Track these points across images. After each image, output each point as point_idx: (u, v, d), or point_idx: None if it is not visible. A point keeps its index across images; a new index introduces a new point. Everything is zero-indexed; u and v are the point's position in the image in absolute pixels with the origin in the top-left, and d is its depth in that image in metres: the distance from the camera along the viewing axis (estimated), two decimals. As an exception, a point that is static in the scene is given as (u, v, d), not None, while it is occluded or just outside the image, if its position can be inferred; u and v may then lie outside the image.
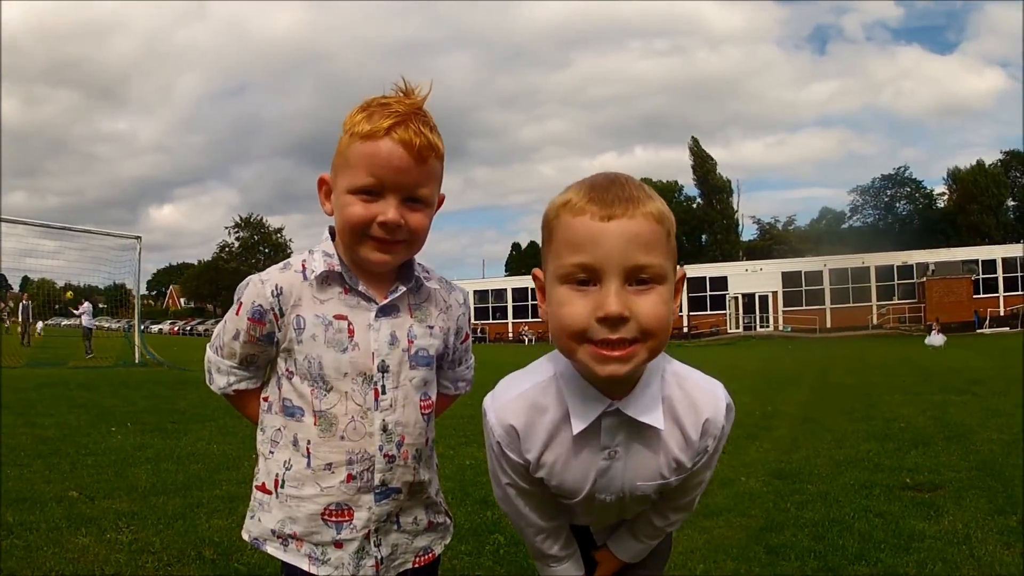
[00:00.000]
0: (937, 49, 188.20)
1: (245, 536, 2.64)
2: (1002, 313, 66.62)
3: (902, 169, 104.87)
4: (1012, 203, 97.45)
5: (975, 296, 67.63)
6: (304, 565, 2.50)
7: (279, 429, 2.54)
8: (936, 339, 39.61)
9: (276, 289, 2.44)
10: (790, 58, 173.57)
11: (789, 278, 74.59)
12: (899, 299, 71.47)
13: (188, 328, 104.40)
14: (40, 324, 41.05)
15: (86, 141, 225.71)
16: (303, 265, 2.48)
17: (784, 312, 72.69)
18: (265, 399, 2.62)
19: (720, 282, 75.14)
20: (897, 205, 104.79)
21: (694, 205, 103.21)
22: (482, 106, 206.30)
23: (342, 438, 2.46)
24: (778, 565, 5.59)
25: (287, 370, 2.51)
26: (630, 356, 2.00)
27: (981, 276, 69.26)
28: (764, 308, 74.66)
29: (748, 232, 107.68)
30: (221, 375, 2.63)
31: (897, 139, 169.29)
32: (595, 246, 1.97)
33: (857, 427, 11.74)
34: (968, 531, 6.09)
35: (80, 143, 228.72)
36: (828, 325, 69.77)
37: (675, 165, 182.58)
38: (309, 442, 2.47)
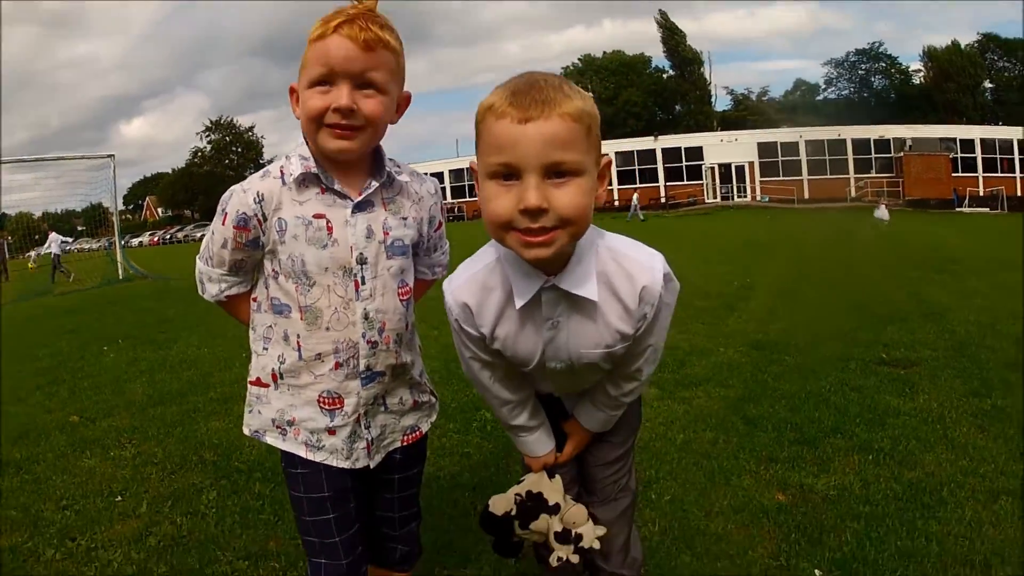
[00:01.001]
0: None
1: (245, 431, 2.80)
2: (981, 194, 65.97)
3: (877, 44, 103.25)
4: (989, 85, 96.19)
5: (953, 175, 67.25)
6: (301, 452, 2.68)
7: (270, 326, 2.69)
8: (882, 213, 39.87)
9: (258, 196, 2.55)
10: None
11: (765, 148, 73.65)
12: (876, 172, 71.02)
13: (168, 237, 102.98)
14: (32, 254, 40.38)
15: (48, 72, 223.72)
16: (281, 171, 2.58)
17: (761, 182, 72.16)
18: (254, 300, 2.76)
19: (695, 152, 74.10)
20: (873, 80, 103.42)
21: (664, 76, 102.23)
22: None
23: (327, 329, 2.61)
24: (755, 436, 5.62)
25: (272, 270, 2.64)
26: (551, 241, 2.21)
27: (959, 155, 69.05)
28: (741, 178, 73.87)
29: (721, 103, 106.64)
30: (212, 283, 2.73)
31: (869, 14, 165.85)
32: (514, 147, 2.15)
33: (835, 300, 11.80)
34: (943, 411, 6.10)
35: (43, 74, 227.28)
36: (806, 196, 69.51)
37: (644, 37, 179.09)
38: (298, 336, 2.62)
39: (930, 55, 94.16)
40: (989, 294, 12.36)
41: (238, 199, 2.57)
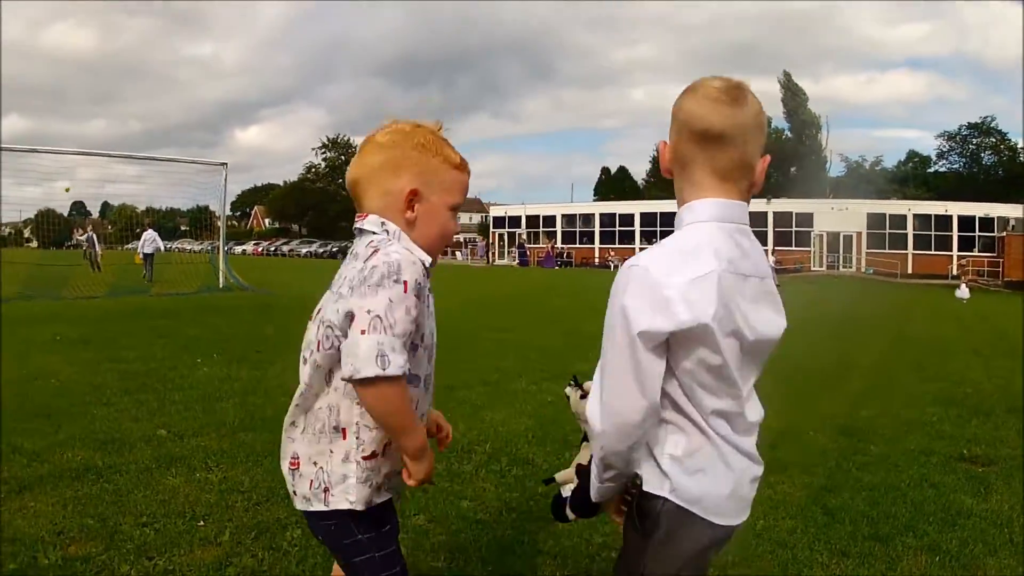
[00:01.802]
0: None
1: (360, 506, 2.71)
2: None
3: (988, 119, 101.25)
4: None
5: None
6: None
7: None
8: (963, 292, 39.53)
9: (425, 269, 2.65)
10: None
11: (874, 219, 73.01)
12: (979, 251, 69.88)
13: (272, 248, 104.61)
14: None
15: (168, 66, 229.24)
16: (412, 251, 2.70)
17: (868, 254, 71.51)
18: None
19: (806, 219, 73.63)
20: (983, 155, 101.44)
21: (783, 137, 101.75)
22: (568, 28, 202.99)
23: (426, 390, 2.87)
24: (833, 528, 5.76)
25: (412, 343, 2.64)
26: None
27: None
28: (848, 248, 73.46)
29: (835, 168, 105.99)
30: (398, 354, 2.48)
31: (985, 87, 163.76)
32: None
33: (926, 388, 11.77)
34: (1013, 513, 6.19)
35: (162, 67, 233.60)
36: (910, 271, 68.42)
37: (764, 96, 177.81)
38: (417, 403, 2.75)
39: None
40: (1078, 388, 12.29)
41: (415, 269, 2.57)
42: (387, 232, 2.70)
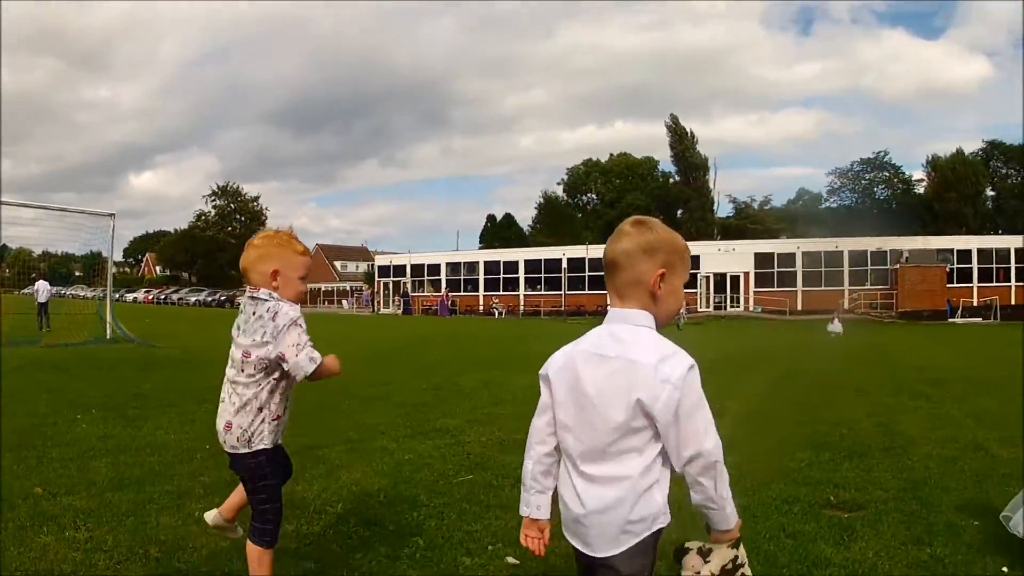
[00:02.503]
0: (924, 34, 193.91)
1: (271, 446, 4.82)
2: (975, 303, 69.14)
3: (881, 154, 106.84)
4: (991, 193, 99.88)
5: (949, 285, 69.73)
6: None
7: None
8: (836, 327, 41.43)
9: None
10: (774, 37, 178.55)
11: (761, 259, 76.19)
12: (871, 284, 73.38)
13: (163, 297, 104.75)
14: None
15: (68, 108, 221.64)
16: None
17: (755, 293, 73.65)
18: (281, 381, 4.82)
19: (692, 261, 74.83)
20: (875, 189, 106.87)
21: (671, 181, 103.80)
22: (463, 74, 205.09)
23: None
24: None
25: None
26: None
27: (955, 266, 71.72)
28: (735, 288, 76.08)
29: (723, 209, 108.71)
30: (314, 351, 4.65)
31: (879, 122, 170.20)
32: None
33: (801, 431, 11.76)
34: (876, 561, 6.14)
35: (62, 111, 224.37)
36: (799, 307, 70.96)
37: (656, 139, 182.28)
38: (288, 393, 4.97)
39: (934, 164, 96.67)
40: (962, 423, 12.47)
41: (296, 311, 4.70)
42: (273, 298, 4.71)
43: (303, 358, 4.53)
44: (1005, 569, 5.99)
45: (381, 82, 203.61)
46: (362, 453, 10.06)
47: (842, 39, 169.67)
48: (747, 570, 3.44)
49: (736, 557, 3.43)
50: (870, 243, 75.38)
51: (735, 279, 75.93)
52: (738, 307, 74.27)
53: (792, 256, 75.72)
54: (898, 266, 71.03)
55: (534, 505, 3.55)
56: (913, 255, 71.79)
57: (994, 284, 71.65)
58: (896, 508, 7.65)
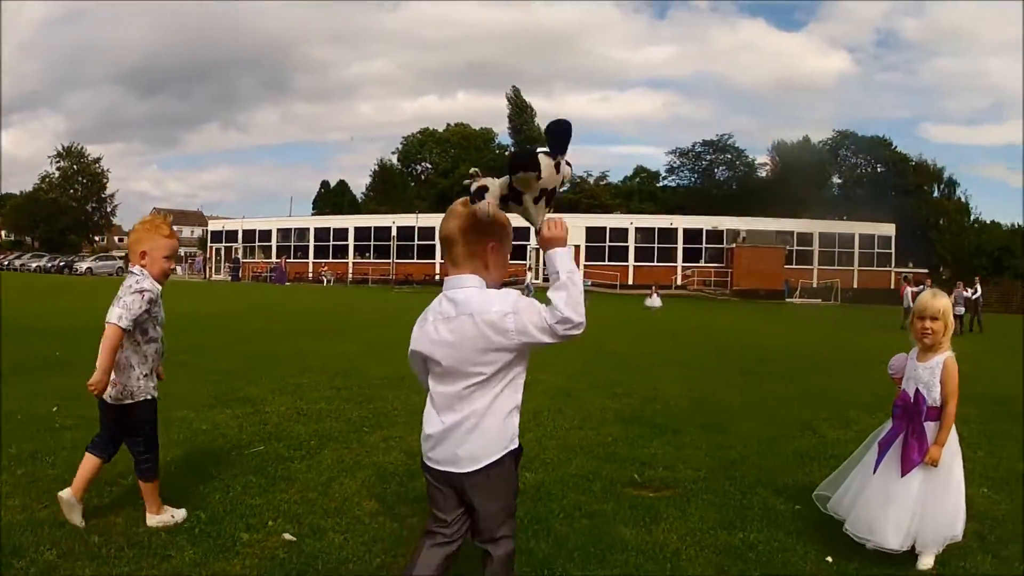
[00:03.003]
0: (784, 26, 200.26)
1: (150, 397, 5.99)
2: (815, 285, 72.25)
3: (725, 136, 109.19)
4: (838, 181, 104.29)
5: (788, 266, 72.79)
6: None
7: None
8: (654, 301, 43.12)
9: (158, 290, 6.10)
10: (629, 19, 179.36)
11: (593, 233, 77.21)
12: (705, 262, 75.80)
13: (6, 263, 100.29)
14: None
15: None
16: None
17: (586, 266, 74.10)
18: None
19: (523, 233, 75.18)
20: (716, 171, 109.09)
21: (507, 153, 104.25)
22: (308, 41, 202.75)
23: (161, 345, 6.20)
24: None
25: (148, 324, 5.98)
26: None
27: (795, 248, 75.45)
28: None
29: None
30: (125, 321, 5.63)
31: (728, 108, 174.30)
32: None
33: (608, 406, 11.39)
34: (680, 546, 5.81)
35: None
36: (630, 282, 72.12)
37: (497, 112, 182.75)
38: (154, 352, 6.06)
39: (779, 150, 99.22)
40: (788, 402, 12.35)
41: (152, 291, 5.74)
42: (143, 274, 5.77)
43: (113, 313, 5.55)
44: (829, 559, 5.73)
45: (226, 46, 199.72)
46: (161, 423, 9.38)
47: (697, 25, 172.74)
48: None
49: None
50: (706, 221, 77.63)
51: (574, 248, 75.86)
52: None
53: (625, 231, 77.32)
54: (734, 245, 73.32)
55: None
56: (751, 235, 74.24)
57: (836, 267, 75.66)
58: (707, 489, 7.33)
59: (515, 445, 4.08)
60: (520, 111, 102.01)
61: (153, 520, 5.89)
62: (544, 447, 8.61)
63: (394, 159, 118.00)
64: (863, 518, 5.83)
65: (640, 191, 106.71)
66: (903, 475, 5.74)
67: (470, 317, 3.90)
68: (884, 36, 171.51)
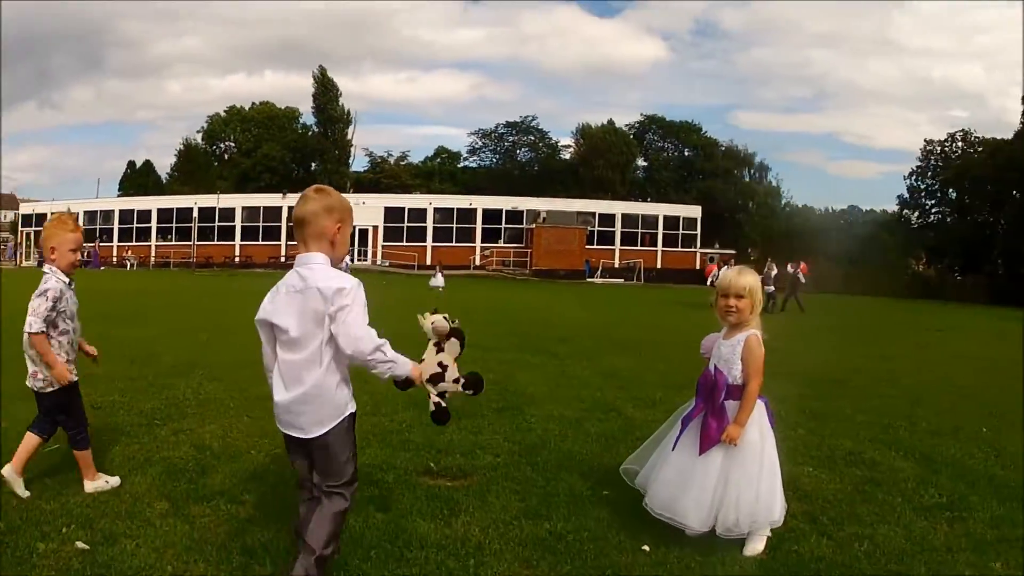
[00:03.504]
0: (598, 12, 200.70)
1: (69, 381, 6.42)
2: (616, 265, 74.53)
3: (529, 118, 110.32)
4: (643, 163, 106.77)
5: (589, 247, 74.78)
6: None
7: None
8: (438, 280, 43.12)
9: (65, 286, 6.51)
10: (443, 2, 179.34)
11: (392, 213, 77.65)
12: (505, 243, 76.82)
13: None
14: None
15: None
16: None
17: (384, 247, 74.12)
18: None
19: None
20: (518, 152, 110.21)
21: (310, 132, 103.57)
22: (124, 15, 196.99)
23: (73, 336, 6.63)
24: (251, 569, 5.06)
25: (59, 319, 6.51)
26: None
27: (597, 228, 77.34)
28: (364, 242, 76.55)
29: (360, 163, 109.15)
30: (38, 325, 6.21)
31: (535, 91, 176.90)
32: None
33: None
34: (483, 539, 5.60)
35: None
36: (428, 262, 71.53)
37: (303, 91, 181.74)
38: (68, 343, 6.58)
39: (584, 132, 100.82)
40: (590, 382, 12.30)
41: (56, 288, 6.23)
42: (52, 270, 6.29)
43: (28, 323, 6.14)
44: (646, 548, 5.57)
45: (47, 21, 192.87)
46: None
47: (511, 9, 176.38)
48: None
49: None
50: (506, 202, 78.50)
51: (364, 232, 76.14)
52: (366, 260, 74.66)
53: (424, 211, 77.62)
54: (534, 225, 74.28)
55: None
56: (552, 216, 75.31)
57: (639, 248, 77.81)
58: (507, 476, 7.14)
59: (352, 409, 4.84)
60: (325, 90, 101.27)
61: (90, 487, 6.51)
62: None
63: (199, 138, 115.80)
64: (661, 495, 5.77)
65: (441, 171, 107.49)
66: (700, 453, 5.65)
67: (316, 290, 4.52)
68: (702, 26, 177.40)
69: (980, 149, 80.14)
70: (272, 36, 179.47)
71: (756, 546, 5.57)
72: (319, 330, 4.54)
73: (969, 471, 8.12)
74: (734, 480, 5.60)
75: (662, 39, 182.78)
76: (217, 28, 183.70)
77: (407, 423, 9.05)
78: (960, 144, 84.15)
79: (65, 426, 6.56)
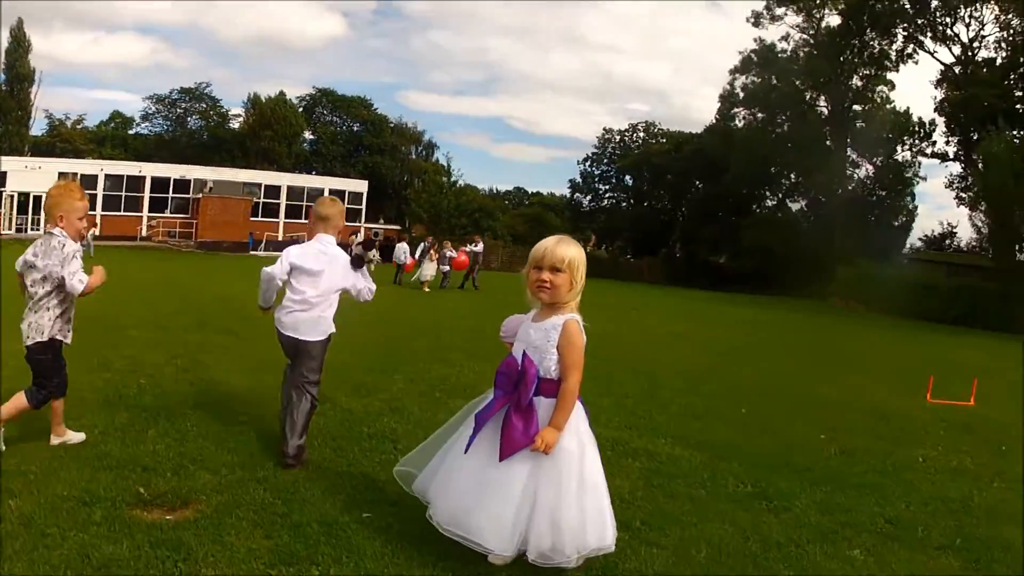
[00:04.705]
0: None
1: (53, 339, 6.65)
2: (280, 238, 73.31)
3: (203, 85, 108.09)
4: (311, 136, 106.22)
5: (253, 219, 74.60)
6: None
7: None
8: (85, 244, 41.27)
9: (80, 248, 6.89)
10: None
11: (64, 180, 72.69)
12: (171, 212, 74.72)
13: None
14: None
15: None
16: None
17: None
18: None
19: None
20: (190, 119, 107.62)
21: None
22: None
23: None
24: None
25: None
26: None
27: (263, 200, 76.99)
28: (38, 210, 71.73)
29: (40, 126, 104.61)
30: (85, 277, 6.54)
31: (212, 59, 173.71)
32: None
33: (86, 380, 8.99)
34: None
35: None
36: (98, 233, 68.45)
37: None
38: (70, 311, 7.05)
39: (254, 103, 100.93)
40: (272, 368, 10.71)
41: (79, 248, 6.70)
42: (63, 234, 6.55)
43: (75, 281, 6.43)
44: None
45: None
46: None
47: None
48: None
49: None
50: (175, 170, 75.92)
51: (38, 199, 71.18)
52: (39, 229, 70.26)
53: (95, 178, 73.23)
54: (201, 196, 72.60)
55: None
56: (219, 186, 73.71)
57: (303, 221, 76.08)
58: (237, 500, 5.74)
59: (332, 329, 7.25)
60: (17, 44, 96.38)
61: (55, 440, 6.82)
62: (19, 454, 6.41)
63: None
64: (452, 509, 4.80)
65: (113, 137, 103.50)
66: (501, 459, 4.67)
67: (335, 257, 7.21)
68: (384, 7, 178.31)
69: (663, 140, 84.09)
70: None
71: None
72: (338, 280, 7.30)
73: (760, 456, 7.90)
74: (548, 497, 4.62)
75: (343, 16, 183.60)
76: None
77: (99, 427, 7.32)
78: (642, 135, 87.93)
79: (38, 382, 6.65)
